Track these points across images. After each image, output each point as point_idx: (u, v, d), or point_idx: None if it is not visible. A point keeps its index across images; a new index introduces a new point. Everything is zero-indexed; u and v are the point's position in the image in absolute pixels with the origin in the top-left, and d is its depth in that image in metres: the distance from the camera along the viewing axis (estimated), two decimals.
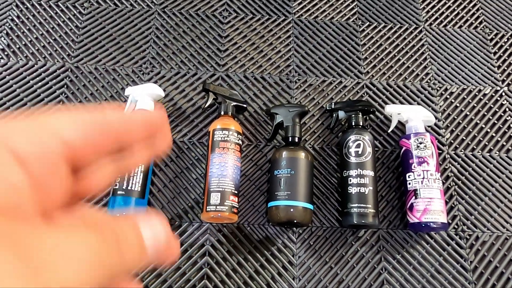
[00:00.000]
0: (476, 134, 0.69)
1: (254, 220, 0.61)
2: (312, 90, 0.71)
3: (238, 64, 0.72)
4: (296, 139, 0.61)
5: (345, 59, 0.74)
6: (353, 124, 0.63)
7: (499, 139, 0.69)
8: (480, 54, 0.77)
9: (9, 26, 0.72)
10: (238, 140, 0.60)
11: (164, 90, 0.68)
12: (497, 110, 0.72)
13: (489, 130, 0.70)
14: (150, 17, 0.75)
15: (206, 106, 0.63)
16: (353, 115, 0.64)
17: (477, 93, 0.73)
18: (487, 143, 0.69)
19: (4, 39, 0.71)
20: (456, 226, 0.62)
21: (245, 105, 0.65)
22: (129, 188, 0.55)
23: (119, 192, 0.55)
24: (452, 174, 0.66)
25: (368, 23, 0.79)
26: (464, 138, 0.69)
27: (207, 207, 0.55)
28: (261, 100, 0.69)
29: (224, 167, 0.56)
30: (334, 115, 0.66)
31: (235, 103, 0.64)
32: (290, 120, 0.62)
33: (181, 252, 0.58)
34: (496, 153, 0.68)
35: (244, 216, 0.61)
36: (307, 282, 0.57)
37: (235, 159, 0.58)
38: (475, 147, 0.68)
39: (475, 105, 0.72)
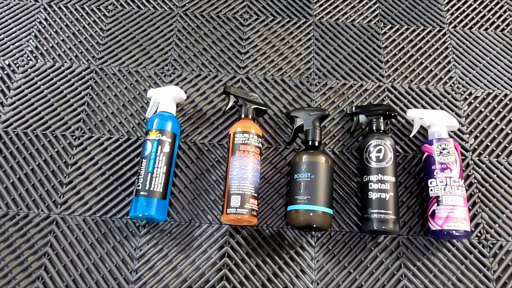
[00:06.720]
0: (501, 140, 0.68)
1: (273, 223, 0.61)
2: (333, 93, 0.71)
3: (258, 66, 0.72)
4: (316, 143, 0.61)
5: (366, 62, 0.74)
6: (374, 128, 0.62)
7: None
8: (506, 58, 0.75)
9: (37, 29, 0.74)
10: (258, 143, 0.60)
11: (186, 92, 0.69)
12: None
13: None
14: (172, 19, 0.76)
15: (227, 108, 0.64)
16: (374, 119, 0.63)
17: (503, 98, 0.71)
18: None
19: (33, 41, 0.73)
20: (479, 234, 0.61)
21: (265, 108, 0.65)
22: (151, 189, 0.56)
23: (141, 193, 0.56)
24: (476, 181, 0.64)
25: (390, 25, 0.78)
26: (489, 144, 0.67)
27: (227, 210, 0.55)
28: (281, 102, 0.70)
29: (245, 170, 0.57)
30: (354, 119, 0.66)
31: (255, 106, 0.64)
32: (310, 123, 0.62)
33: (201, 253, 0.59)
34: None
35: (263, 219, 0.61)
36: (326, 287, 0.57)
37: (255, 162, 0.58)
38: (500, 153, 0.67)
39: (501, 110, 0.70)
